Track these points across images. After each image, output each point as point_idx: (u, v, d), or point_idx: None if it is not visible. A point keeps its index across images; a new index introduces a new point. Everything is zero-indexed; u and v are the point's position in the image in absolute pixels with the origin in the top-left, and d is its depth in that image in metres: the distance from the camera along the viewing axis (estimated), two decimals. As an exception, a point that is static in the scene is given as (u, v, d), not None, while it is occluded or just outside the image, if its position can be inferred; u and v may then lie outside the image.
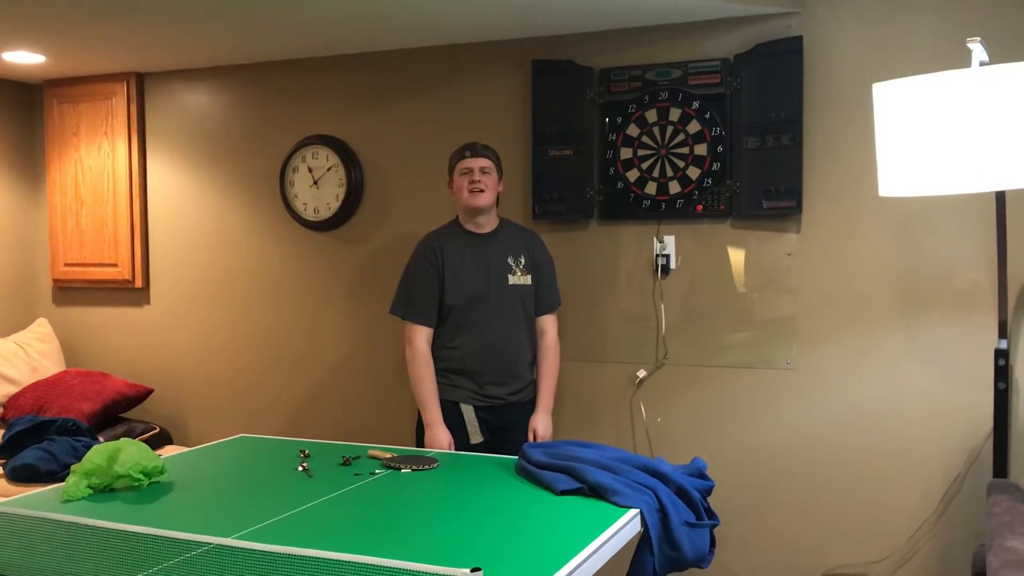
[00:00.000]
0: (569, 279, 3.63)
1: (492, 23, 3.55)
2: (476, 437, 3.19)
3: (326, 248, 4.19)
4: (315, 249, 4.22)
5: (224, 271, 4.41)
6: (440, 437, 3.13)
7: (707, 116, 3.45)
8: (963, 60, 2.52)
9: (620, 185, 3.59)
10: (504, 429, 3.25)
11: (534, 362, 3.33)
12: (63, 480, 2.46)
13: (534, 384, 3.33)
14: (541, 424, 3.28)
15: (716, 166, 3.44)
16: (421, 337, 3.20)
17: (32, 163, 4.78)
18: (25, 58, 4.11)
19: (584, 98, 3.62)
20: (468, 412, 3.19)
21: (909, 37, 3.19)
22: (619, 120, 3.58)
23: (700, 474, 2.53)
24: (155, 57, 4.19)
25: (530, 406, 3.31)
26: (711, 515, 2.45)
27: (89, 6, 3.29)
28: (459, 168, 3.22)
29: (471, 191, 3.18)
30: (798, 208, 3.33)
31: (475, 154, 3.20)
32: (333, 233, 4.17)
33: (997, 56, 2.56)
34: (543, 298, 3.33)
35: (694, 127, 3.48)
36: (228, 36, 3.78)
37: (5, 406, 4.18)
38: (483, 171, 3.19)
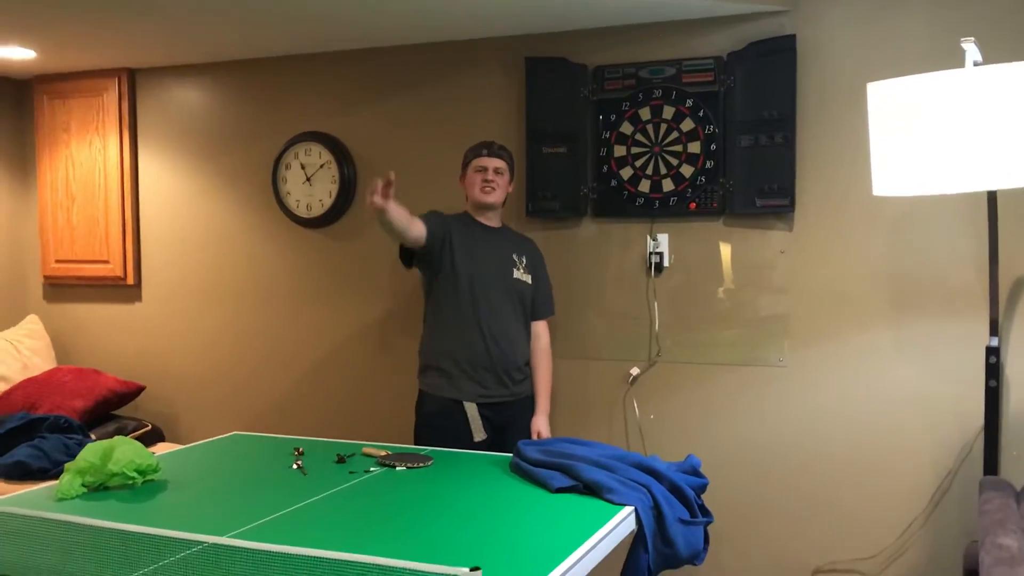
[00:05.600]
0: (562, 277, 3.63)
1: (486, 20, 3.55)
2: (480, 434, 3.18)
3: (318, 245, 4.19)
4: (307, 246, 4.21)
5: (216, 268, 4.39)
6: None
7: (700, 114, 3.46)
8: (957, 60, 2.53)
9: (614, 183, 3.59)
10: (505, 427, 3.25)
11: (528, 362, 3.35)
12: (55, 478, 2.46)
13: (530, 381, 3.35)
14: (544, 426, 3.32)
15: (709, 164, 3.45)
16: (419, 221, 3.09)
17: (22, 160, 4.75)
18: (15, 53, 4.08)
19: (578, 96, 3.62)
20: (472, 410, 3.19)
21: (902, 36, 3.20)
22: (613, 118, 3.58)
23: (694, 471, 2.54)
24: (147, 53, 4.17)
25: (528, 403, 3.33)
26: (705, 512, 2.46)
27: (81, 1, 3.27)
28: (474, 164, 3.28)
29: (483, 189, 3.24)
30: (791, 206, 3.34)
31: (492, 154, 3.27)
32: (325, 230, 4.17)
33: (991, 56, 2.57)
34: (541, 304, 3.39)
35: (688, 125, 3.48)
36: (221, 32, 3.76)
37: (-4, 403, 4.16)
38: (497, 171, 3.26)
